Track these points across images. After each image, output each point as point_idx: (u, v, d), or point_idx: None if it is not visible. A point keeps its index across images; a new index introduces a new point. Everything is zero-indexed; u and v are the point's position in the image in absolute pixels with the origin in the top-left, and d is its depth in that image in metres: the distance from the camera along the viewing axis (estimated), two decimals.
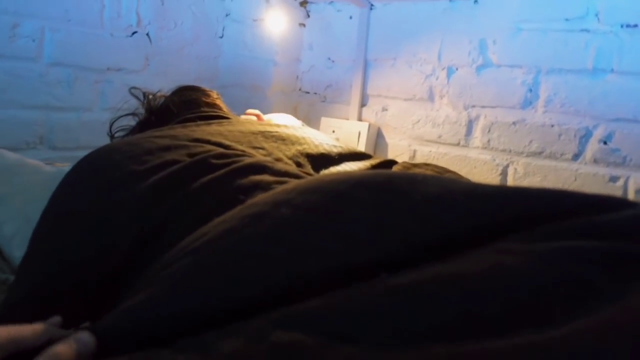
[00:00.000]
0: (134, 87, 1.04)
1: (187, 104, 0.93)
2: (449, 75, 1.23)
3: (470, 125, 1.20)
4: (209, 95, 0.94)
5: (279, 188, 0.42)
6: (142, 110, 0.93)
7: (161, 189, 0.45)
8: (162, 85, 1.16)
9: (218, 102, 0.94)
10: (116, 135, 0.89)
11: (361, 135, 1.32)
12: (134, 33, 1.23)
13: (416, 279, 0.27)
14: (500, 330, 0.23)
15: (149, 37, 1.27)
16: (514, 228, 0.29)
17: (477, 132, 1.19)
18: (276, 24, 1.39)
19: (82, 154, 0.60)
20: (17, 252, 0.59)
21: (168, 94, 0.98)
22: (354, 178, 0.37)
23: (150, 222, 0.42)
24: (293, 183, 0.41)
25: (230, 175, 0.48)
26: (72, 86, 1.13)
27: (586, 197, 0.31)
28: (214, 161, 0.52)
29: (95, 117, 1.17)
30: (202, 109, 0.89)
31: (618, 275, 0.25)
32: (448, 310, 0.25)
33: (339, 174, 0.51)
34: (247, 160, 0.55)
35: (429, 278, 0.26)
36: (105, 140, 0.85)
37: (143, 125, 0.84)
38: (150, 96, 1.02)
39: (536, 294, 0.25)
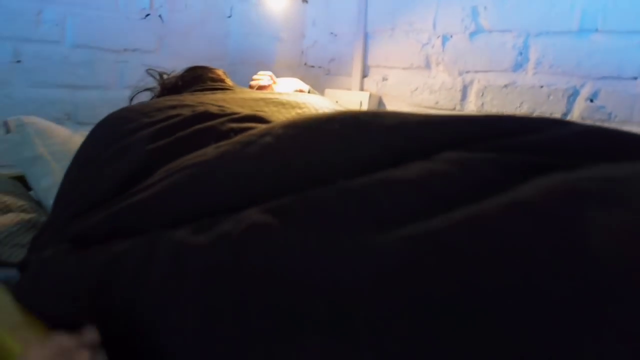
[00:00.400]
0: (150, 68, 1.15)
1: (196, 79, 1.03)
2: (443, 43, 1.28)
3: (465, 90, 1.26)
4: (215, 72, 1.04)
5: (265, 125, 0.51)
6: (157, 87, 1.04)
7: (164, 132, 0.54)
8: (175, 63, 1.26)
9: (223, 77, 1.04)
10: None
11: (363, 105, 1.39)
12: (147, 15, 1.32)
13: (363, 182, 0.35)
14: (421, 214, 0.30)
15: (161, 18, 1.36)
16: (456, 147, 0.37)
17: (472, 96, 1.25)
18: (280, 1, 1.46)
19: None
20: (51, 201, 0.70)
21: (180, 72, 1.08)
22: (326, 115, 0.45)
23: (154, 153, 0.51)
24: (277, 122, 0.50)
25: (226, 121, 0.57)
26: (93, 66, 1.23)
27: (521, 120, 0.39)
28: (214, 113, 0.61)
29: (116, 94, 1.28)
30: (209, 83, 0.99)
31: (518, 176, 0.32)
32: (382, 202, 0.33)
33: (316, 114, 0.59)
34: (244, 113, 0.63)
35: (372, 181, 0.35)
36: None
37: None
38: (165, 75, 1.13)
39: (450, 187, 0.33)
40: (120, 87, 1.30)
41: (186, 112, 0.62)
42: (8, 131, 0.77)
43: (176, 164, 0.46)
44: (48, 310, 0.40)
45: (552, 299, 0.24)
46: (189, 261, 0.34)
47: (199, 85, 0.97)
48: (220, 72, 1.06)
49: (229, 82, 1.03)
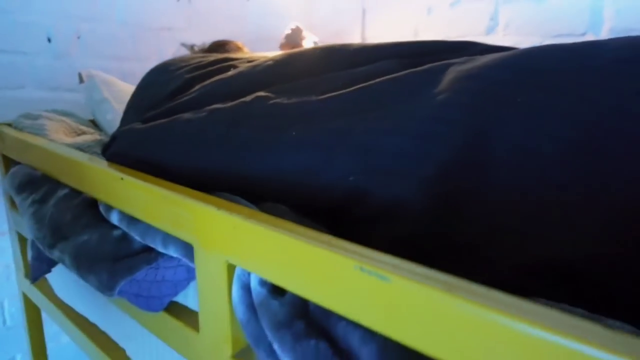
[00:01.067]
0: (183, 43, 1.43)
1: (219, 47, 1.29)
2: (429, 13, 1.49)
3: None
4: (234, 44, 1.29)
5: (269, 56, 0.75)
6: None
7: (197, 67, 0.78)
8: (202, 39, 1.52)
9: (241, 47, 1.30)
10: None
11: None
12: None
13: (329, 76, 0.59)
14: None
15: (190, 2, 1.61)
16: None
17: None
18: None
19: None
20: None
21: (207, 45, 1.34)
22: (313, 47, 0.70)
23: (191, 80, 0.75)
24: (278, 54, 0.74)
25: (242, 61, 0.81)
26: (136, 42, 1.50)
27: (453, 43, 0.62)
28: (232, 57, 0.85)
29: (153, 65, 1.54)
30: (231, 51, 1.25)
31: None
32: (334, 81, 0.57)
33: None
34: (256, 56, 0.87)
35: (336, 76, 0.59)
36: None
37: None
38: (195, 47, 1.40)
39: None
40: (158, 59, 1.56)
41: (212, 57, 0.86)
42: (81, 81, 1.03)
43: (207, 82, 0.70)
44: (127, 161, 0.65)
45: None
46: (221, 112, 0.59)
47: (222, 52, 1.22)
48: (239, 44, 1.32)
49: (246, 50, 1.29)
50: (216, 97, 0.65)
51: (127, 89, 1.05)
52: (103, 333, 0.81)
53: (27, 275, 1.04)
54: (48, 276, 0.97)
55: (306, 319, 0.39)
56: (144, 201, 0.54)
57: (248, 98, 0.59)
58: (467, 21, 1.41)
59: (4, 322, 1.35)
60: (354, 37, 1.66)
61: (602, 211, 0.38)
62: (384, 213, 0.45)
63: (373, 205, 0.45)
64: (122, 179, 0.57)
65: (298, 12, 1.75)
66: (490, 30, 1.37)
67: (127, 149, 0.65)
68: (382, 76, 0.54)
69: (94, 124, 1.06)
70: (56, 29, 1.32)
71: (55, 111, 1.03)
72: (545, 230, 0.38)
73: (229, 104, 0.60)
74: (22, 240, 1.02)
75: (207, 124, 0.58)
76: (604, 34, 1.19)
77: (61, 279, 0.93)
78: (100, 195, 0.63)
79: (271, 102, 0.57)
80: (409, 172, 0.44)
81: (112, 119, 0.97)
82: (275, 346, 0.40)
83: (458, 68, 0.51)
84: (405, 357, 0.33)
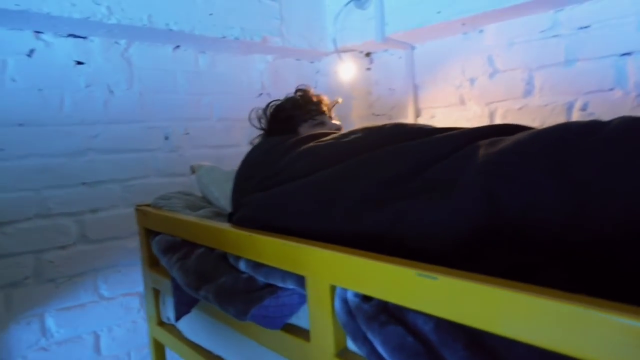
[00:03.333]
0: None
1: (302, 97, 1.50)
2: (472, 84, 1.72)
3: (492, 116, 1.67)
4: (316, 95, 1.52)
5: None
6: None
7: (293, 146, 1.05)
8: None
9: (323, 98, 1.47)
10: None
11: None
12: (260, 94, 1.93)
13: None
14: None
15: (269, 95, 1.96)
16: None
17: (497, 119, 1.66)
18: (350, 71, 2.01)
19: None
20: (220, 203, 1.24)
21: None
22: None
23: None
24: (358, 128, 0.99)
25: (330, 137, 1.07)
26: (229, 132, 1.85)
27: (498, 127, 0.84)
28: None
29: (244, 150, 1.87)
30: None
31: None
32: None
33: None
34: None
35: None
36: None
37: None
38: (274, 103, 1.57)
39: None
40: (245, 145, 1.90)
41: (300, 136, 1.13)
42: (193, 172, 1.35)
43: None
44: (249, 224, 0.90)
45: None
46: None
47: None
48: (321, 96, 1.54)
49: (324, 98, 1.47)
50: (316, 166, 0.89)
51: (221, 172, 1.34)
52: None
53: (158, 323, 1.31)
54: (177, 323, 1.23)
55: (387, 313, 0.60)
56: (269, 251, 0.78)
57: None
58: (506, 87, 1.62)
59: None
60: (408, 110, 1.92)
61: None
62: None
63: None
64: (250, 235, 0.82)
65: (359, 94, 2.05)
66: (527, 93, 1.57)
67: (250, 213, 0.91)
68: None
69: (206, 200, 1.36)
70: (172, 129, 1.69)
71: (180, 192, 1.34)
72: None
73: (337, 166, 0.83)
74: (156, 294, 1.30)
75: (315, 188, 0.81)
76: (630, 88, 1.35)
77: (189, 324, 1.18)
78: (232, 249, 0.89)
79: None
80: None
81: (219, 196, 1.25)
82: (369, 335, 0.60)
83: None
84: (449, 327, 0.53)
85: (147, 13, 1.47)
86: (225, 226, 0.92)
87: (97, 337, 1.55)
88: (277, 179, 0.92)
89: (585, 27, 1.42)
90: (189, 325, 1.19)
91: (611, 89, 1.39)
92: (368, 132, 0.95)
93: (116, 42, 1.55)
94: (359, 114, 2.06)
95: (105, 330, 1.57)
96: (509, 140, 0.70)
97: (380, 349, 0.59)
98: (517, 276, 0.49)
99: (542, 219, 0.58)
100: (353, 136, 0.94)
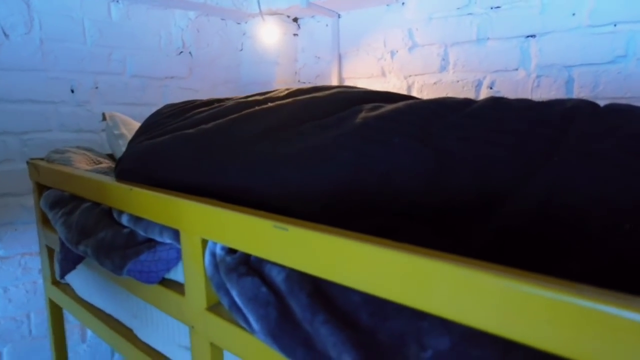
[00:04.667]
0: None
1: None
2: (392, 56, 1.74)
3: (409, 89, 1.71)
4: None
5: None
6: None
7: (194, 107, 1.02)
8: (202, 85, 1.78)
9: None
10: None
11: None
12: (180, 52, 1.85)
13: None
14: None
15: (190, 54, 1.89)
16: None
17: (414, 92, 1.70)
18: (277, 36, 1.97)
19: None
20: None
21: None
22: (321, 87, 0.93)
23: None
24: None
25: (234, 100, 1.04)
26: (145, 90, 1.77)
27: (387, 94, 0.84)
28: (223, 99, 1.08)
29: None
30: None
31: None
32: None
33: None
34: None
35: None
36: None
37: None
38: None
39: None
40: (164, 103, 1.82)
41: (203, 100, 1.10)
42: (104, 119, 1.28)
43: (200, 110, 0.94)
44: (131, 176, 0.87)
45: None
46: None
47: None
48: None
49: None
50: (204, 120, 0.87)
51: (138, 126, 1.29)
52: (116, 320, 1.02)
53: (53, 282, 1.26)
54: (71, 280, 1.19)
55: (247, 265, 0.60)
56: (147, 205, 0.76)
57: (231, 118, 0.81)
58: (423, 61, 1.66)
59: (30, 332, 1.56)
60: (331, 79, 1.92)
61: None
62: None
63: None
64: (131, 189, 0.79)
65: (285, 60, 2.02)
66: (442, 69, 1.62)
67: (130, 166, 0.88)
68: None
69: (111, 157, 1.30)
70: (78, 82, 1.58)
71: (78, 147, 1.27)
72: None
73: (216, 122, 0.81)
74: (50, 252, 1.24)
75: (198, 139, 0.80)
76: (532, 69, 1.43)
77: (80, 281, 1.14)
78: (115, 204, 0.86)
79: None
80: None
81: None
82: (228, 286, 0.61)
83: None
84: (297, 278, 0.54)
85: None
86: (107, 179, 0.88)
87: None
88: (162, 132, 0.89)
89: (497, 7, 1.47)
90: (81, 284, 1.15)
91: (515, 69, 1.46)
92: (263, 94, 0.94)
93: None
94: (284, 81, 2.04)
95: (1, 291, 1.48)
96: (389, 107, 0.73)
97: (237, 299, 0.59)
98: (381, 236, 0.51)
99: (404, 183, 0.60)
100: (243, 97, 0.93)
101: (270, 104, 0.82)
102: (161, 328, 0.87)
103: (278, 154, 0.69)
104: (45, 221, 1.21)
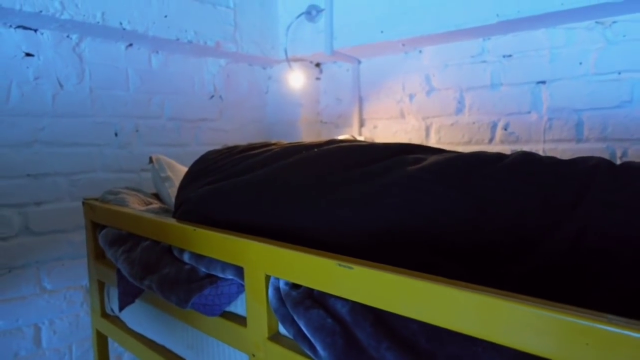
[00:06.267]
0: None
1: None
2: (410, 99, 1.87)
3: (427, 130, 1.82)
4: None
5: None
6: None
7: (241, 151, 1.13)
8: (230, 127, 1.90)
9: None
10: None
11: None
12: (212, 96, 1.99)
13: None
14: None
15: (221, 98, 2.02)
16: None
17: (432, 133, 1.81)
18: (301, 79, 2.11)
19: None
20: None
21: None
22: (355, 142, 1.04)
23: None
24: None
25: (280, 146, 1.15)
26: (179, 132, 1.89)
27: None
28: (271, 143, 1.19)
29: (193, 149, 1.93)
30: None
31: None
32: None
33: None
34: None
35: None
36: None
37: None
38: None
39: None
40: (196, 144, 1.95)
41: (246, 144, 1.21)
42: (150, 162, 1.39)
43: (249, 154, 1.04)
44: (189, 217, 0.97)
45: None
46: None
47: None
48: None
49: None
50: (257, 166, 0.97)
51: (183, 169, 1.40)
52: (169, 350, 1.10)
53: (103, 314, 1.34)
54: (121, 313, 1.27)
55: (312, 299, 0.70)
56: (211, 244, 0.86)
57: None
58: (440, 104, 1.78)
59: None
60: (353, 120, 2.04)
61: None
62: None
63: None
64: (194, 230, 0.90)
65: (307, 101, 2.15)
66: (458, 111, 1.73)
67: (193, 207, 0.98)
68: None
69: (156, 197, 1.41)
70: (121, 125, 1.71)
71: (128, 188, 1.39)
72: None
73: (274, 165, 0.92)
74: (100, 286, 1.34)
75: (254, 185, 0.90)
76: (544, 112, 1.54)
77: (129, 313, 1.23)
78: (176, 242, 0.96)
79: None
80: None
81: (173, 193, 1.31)
82: (295, 318, 0.70)
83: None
84: (360, 310, 0.63)
85: (101, 10, 1.50)
86: (171, 221, 0.98)
87: (37, 330, 1.55)
88: (218, 177, 1.00)
89: (509, 55, 1.60)
90: (133, 316, 1.23)
91: (528, 112, 1.57)
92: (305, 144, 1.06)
93: (68, 36, 1.56)
94: (307, 120, 2.16)
95: (47, 323, 1.57)
96: (429, 160, 0.83)
97: (304, 329, 0.68)
98: (424, 271, 0.60)
99: (446, 225, 0.70)
100: (288, 144, 1.04)
101: (316, 150, 0.93)
102: (217, 358, 0.95)
103: (333, 198, 0.79)
104: (97, 256, 1.31)
